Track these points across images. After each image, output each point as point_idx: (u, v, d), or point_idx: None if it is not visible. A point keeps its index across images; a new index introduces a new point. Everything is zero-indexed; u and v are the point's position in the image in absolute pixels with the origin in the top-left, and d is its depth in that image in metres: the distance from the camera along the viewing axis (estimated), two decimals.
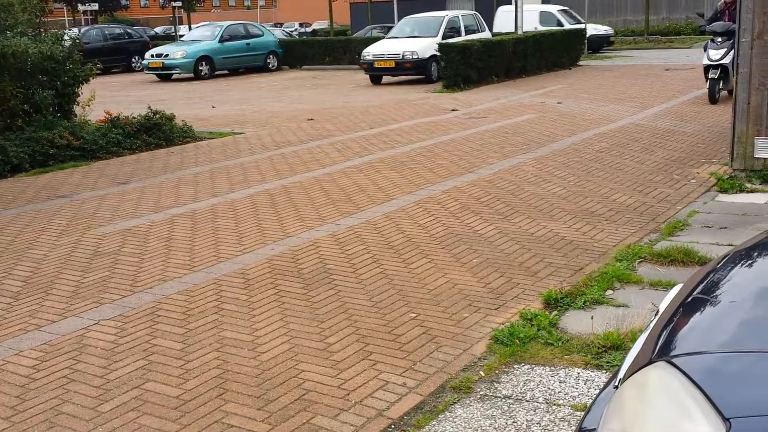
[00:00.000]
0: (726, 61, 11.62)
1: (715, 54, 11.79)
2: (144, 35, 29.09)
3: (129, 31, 28.37)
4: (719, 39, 11.77)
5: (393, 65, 18.23)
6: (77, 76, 10.56)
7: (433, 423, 3.18)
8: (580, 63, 21.35)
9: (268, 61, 24.35)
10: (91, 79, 10.91)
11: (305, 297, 4.62)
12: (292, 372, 3.65)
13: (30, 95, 9.80)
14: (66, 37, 10.89)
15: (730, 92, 12.58)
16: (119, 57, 26.28)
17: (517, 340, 3.87)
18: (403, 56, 18.11)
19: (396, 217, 6.33)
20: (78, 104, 10.82)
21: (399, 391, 3.43)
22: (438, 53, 16.88)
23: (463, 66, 16.30)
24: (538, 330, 3.99)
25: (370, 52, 18.75)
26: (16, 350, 4.02)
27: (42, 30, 10.89)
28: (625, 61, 21.36)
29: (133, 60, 26.48)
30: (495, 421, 3.17)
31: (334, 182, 7.81)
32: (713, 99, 12.14)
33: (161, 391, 3.52)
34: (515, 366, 3.66)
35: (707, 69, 12.06)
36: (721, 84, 12.10)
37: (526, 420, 3.17)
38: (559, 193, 6.93)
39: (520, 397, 3.36)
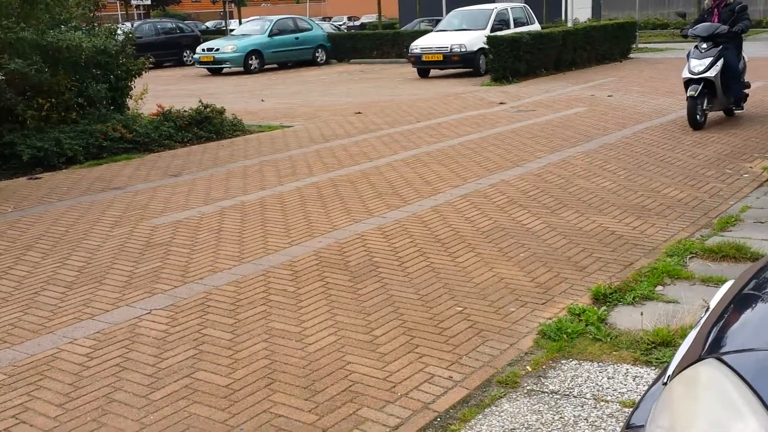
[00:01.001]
0: (711, 74, 9.02)
1: (698, 64, 9.12)
2: (195, 30, 29.52)
3: (181, 25, 28.84)
4: (704, 45, 9.19)
5: (441, 58, 18.16)
6: (130, 70, 10.78)
7: (479, 417, 3.17)
8: (631, 56, 20.97)
9: (317, 54, 24.50)
10: (143, 72, 11.12)
11: (352, 289, 4.64)
12: (338, 363, 3.68)
13: (84, 89, 10.03)
14: (119, 32, 11.12)
15: (727, 112, 10.02)
16: (171, 51, 26.72)
17: (565, 336, 3.84)
18: (451, 49, 18.03)
19: (443, 211, 6.31)
20: (131, 98, 11.04)
21: (445, 385, 3.43)
22: (486, 46, 16.75)
23: (512, 59, 16.15)
24: (587, 325, 3.95)
25: (418, 45, 18.71)
26: (70, 338, 4.13)
27: (96, 24, 11.14)
28: (676, 54, 20.89)
29: (185, 54, 26.90)
30: (542, 416, 3.15)
31: (381, 175, 7.82)
32: (695, 123, 9.24)
33: (211, 380, 3.58)
34: (563, 361, 3.63)
35: (687, 84, 9.26)
36: (705, 103, 9.27)
37: (574, 416, 3.14)
38: (608, 187, 6.83)
39: (567, 393, 3.33)
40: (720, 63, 9.10)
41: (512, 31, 18.15)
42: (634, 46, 21.77)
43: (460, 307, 4.31)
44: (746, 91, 9.91)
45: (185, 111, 10.85)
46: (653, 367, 3.51)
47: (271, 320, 4.23)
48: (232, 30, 29.89)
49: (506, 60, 16.12)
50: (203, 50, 23.12)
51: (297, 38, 23.97)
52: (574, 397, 3.29)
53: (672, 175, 7.16)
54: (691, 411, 1.60)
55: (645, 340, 3.74)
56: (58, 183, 8.25)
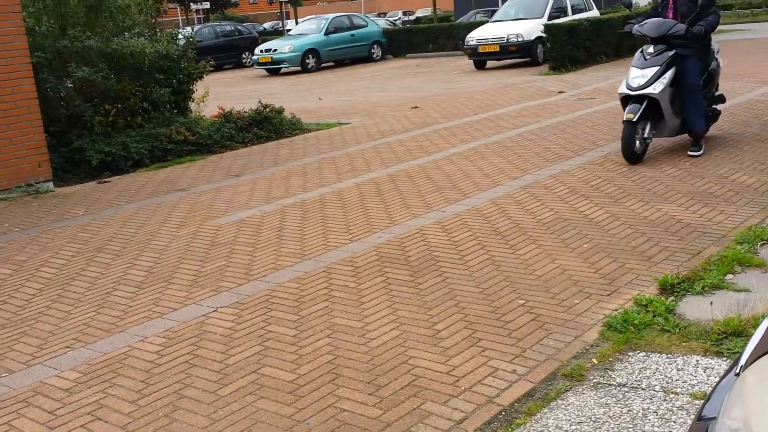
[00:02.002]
0: (654, 89, 6.81)
1: (638, 76, 6.92)
2: (253, 31, 29.94)
3: (239, 27, 29.29)
4: (651, 50, 7.03)
5: (497, 49, 17.99)
6: (191, 74, 11.01)
7: (545, 411, 3.14)
8: None
9: (373, 51, 24.56)
10: (204, 76, 11.35)
11: (413, 284, 4.65)
12: (401, 358, 3.69)
13: (148, 93, 10.29)
14: (180, 36, 11.37)
15: (697, 139, 7.25)
16: (230, 53, 27.17)
17: (632, 327, 3.76)
18: (507, 39, 17.85)
19: (502, 203, 6.26)
20: (193, 101, 11.28)
21: (509, 378, 3.41)
22: (544, 35, 16.52)
23: (571, 47, 15.89)
24: (654, 316, 3.86)
25: (474, 36, 18.57)
26: (141, 337, 4.25)
27: (157, 30, 11.43)
28: (742, 35, 20.23)
29: (244, 56, 27.32)
30: (609, 409, 3.10)
31: (440, 169, 7.80)
32: (631, 154, 6.98)
33: (276, 375, 3.64)
34: (630, 353, 3.56)
35: (624, 102, 7.08)
36: (647, 130, 7.00)
37: (642, 408, 3.08)
38: (674, 174, 6.66)
39: (635, 385, 3.27)
40: (670, 74, 6.89)
41: (570, 18, 17.86)
42: None
43: (522, 299, 4.27)
44: (718, 107, 7.74)
45: (245, 112, 11.03)
46: (724, 358, 3.42)
47: (333, 316, 4.27)
48: (289, 30, 30.21)
49: (564, 48, 15.87)
50: (261, 51, 23.44)
51: (353, 35, 24.08)
52: (643, 389, 3.23)
53: (740, 160, 6.94)
54: (764, 402, 1.56)
55: (715, 331, 3.64)
56: (126, 186, 8.49)
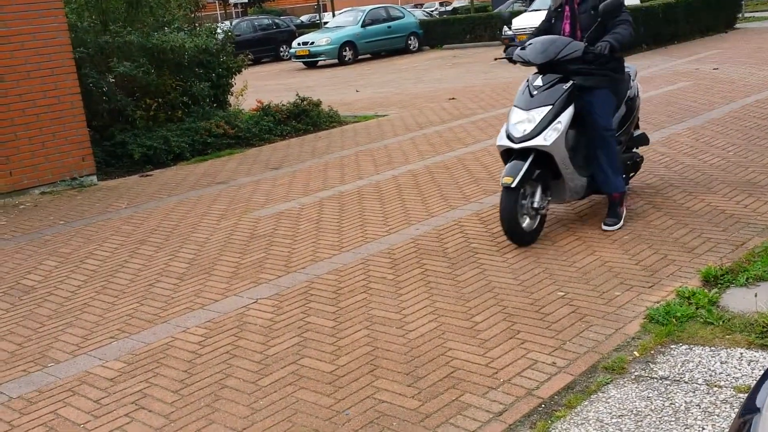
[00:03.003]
0: (544, 140, 4.87)
1: (522, 122, 5.00)
2: (290, 24, 30.06)
3: (277, 21, 29.43)
4: (539, 81, 5.10)
5: None
6: (230, 68, 11.11)
7: (585, 403, 3.11)
8: (737, 26, 19.92)
9: (409, 42, 24.49)
10: (243, 69, 11.44)
11: (450, 276, 4.64)
12: (439, 350, 3.69)
13: (188, 88, 10.41)
14: (219, 31, 11.48)
15: (614, 205, 5.21)
16: (268, 47, 27.32)
17: (674, 320, 3.71)
18: None
19: None
20: (232, 94, 11.38)
21: (548, 371, 3.39)
22: None
23: None
24: (697, 308, 3.80)
25: (511, 26, 18.39)
26: (183, 328, 4.32)
27: (197, 25, 11.54)
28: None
29: (281, 49, 27.45)
30: (651, 402, 3.07)
31: (477, 161, 7.76)
32: (515, 234, 4.95)
33: (316, 366, 3.67)
34: (672, 346, 3.51)
35: (505, 156, 5.13)
36: (536, 197, 4.99)
37: (685, 402, 3.04)
38: (717, 164, 6.54)
39: (678, 379, 3.22)
40: (566, 116, 4.94)
41: None
42: (739, 15, 20.67)
43: (562, 292, 4.23)
44: (639, 151, 5.92)
45: (283, 105, 11.09)
46: None
47: (371, 308, 4.29)
48: (326, 23, 30.26)
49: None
50: (298, 44, 23.53)
51: (389, 27, 24.03)
52: (686, 382, 3.19)
53: None
54: None
55: (760, 323, 3.57)
56: (168, 179, 8.61)
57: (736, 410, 2.91)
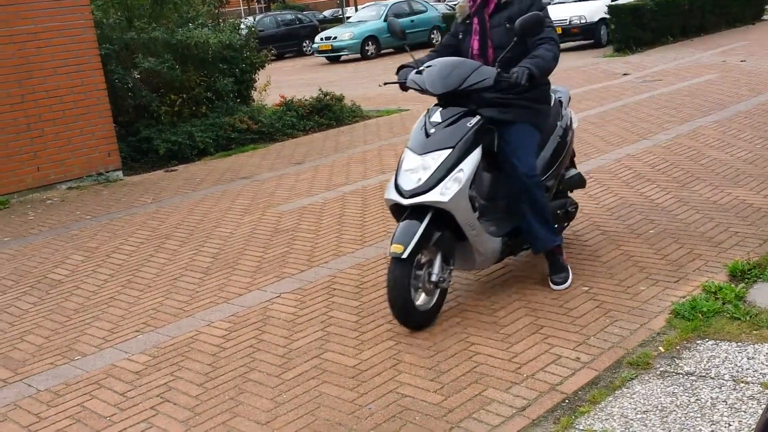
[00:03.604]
0: (443, 196, 3.73)
1: (414, 170, 3.85)
2: (313, 20, 30.10)
3: (300, 16, 29.49)
4: (437, 116, 3.94)
5: (560, 32, 17.62)
6: (254, 63, 11.15)
7: (610, 399, 3.09)
8: (765, 17, 19.61)
9: (432, 36, 24.42)
10: (266, 65, 11.48)
11: (474, 271, 4.62)
12: (462, 344, 3.68)
13: (212, 83, 10.47)
14: (242, 26, 11.52)
15: (555, 259, 4.26)
16: (291, 42, 27.40)
17: (700, 315, 3.67)
18: (570, 21, 17.50)
19: None
20: (255, 90, 11.42)
21: (572, 366, 3.37)
22: (607, 16, 16.13)
23: (635, 27, 15.49)
24: (723, 304, 3.76)
25: None
26: (207, 321, 4.35)
27: (220, 21, 11.59)
28: None
29: (304, 44, 27.51)
30: (677, 398, 3.04)
31: None
32: (406, 314, 3.80)
33: (339, 360, 3.67)
34: (698, 342, 3.47)
35: (396, 212, 4.00)
36: (434, 268, 3.87)
37: (711, 398, 3.00)
38: (744, 158, 6.45)
39: (703, 374, 3.19)
40: (471, 163, 3.85)
41: None
42: (767, 7, 20.35)
43: (586, 286, 4.20)
44: (573, 196, 4.75)
45: (306, 100, 11.12)
46: None
47: None
48: (348, 17, 30.26)
49: (629, 29, 15.48)
50: (321, 39, 23.56)
51: (412, 21, 23.97)
52: (711, 378, 3.15)
53: None
54: None
55: None
56: (192, 174, 8.67)
57: (763, 406, 2.87)
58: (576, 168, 4.83)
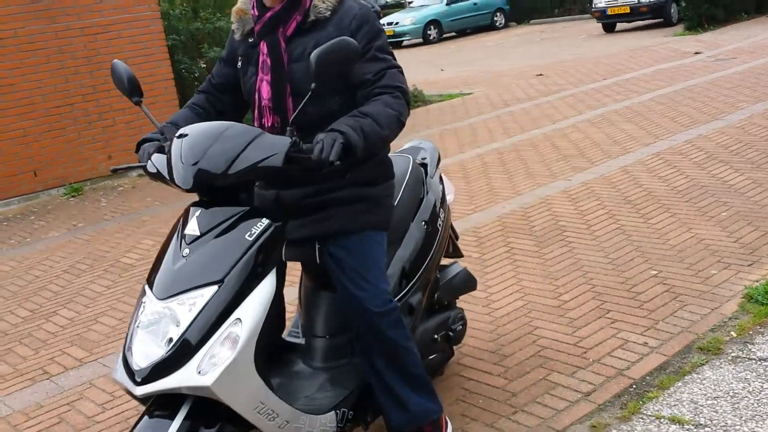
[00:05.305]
0: (204, 378, 1.96)
1: (148, 334, 2.04)
2: (375, 5, 30.05)
3: (362, 2, 29.46)
4: (194, 226, 2.14)
5: (628, 11, 17.19)
6: None
7: (679, 384, 3.02)
8: None
9: (495, 18, 24.09)
10: None
11: (537, 254, 4.57)
12: (526, 329, 3.65)
13: None
14: None
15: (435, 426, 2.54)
16: None
17: None
18: (638, 0, 17.03)
19: (633, 171, 6.02)
20: None
21: (640, 351, 3.30)
22: None
23: (708, 4, 14.98)
24: None
25: None
26: None
27: None
28: None
29: None
30: (749, 384, 2.94)
31: (566, 137, 7.59)
32: None
33: None
34: None
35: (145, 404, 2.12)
36: None
37: None
38: None
39: None
40: (258, 303, 2.11)
41: None
42: None
43: (655, 270, 4.10)
44: (455, 319, 3.09)
45: None
46: None
47: None
48: (410, 2, 30.13)
49: (701, 6, 14.97)
50: (384, 25, 23.51)
51: (475, 4, 23.69)
52: None
53: None
54: None
55: None
56: None
57: None
58: (461, 255, 3.27)
